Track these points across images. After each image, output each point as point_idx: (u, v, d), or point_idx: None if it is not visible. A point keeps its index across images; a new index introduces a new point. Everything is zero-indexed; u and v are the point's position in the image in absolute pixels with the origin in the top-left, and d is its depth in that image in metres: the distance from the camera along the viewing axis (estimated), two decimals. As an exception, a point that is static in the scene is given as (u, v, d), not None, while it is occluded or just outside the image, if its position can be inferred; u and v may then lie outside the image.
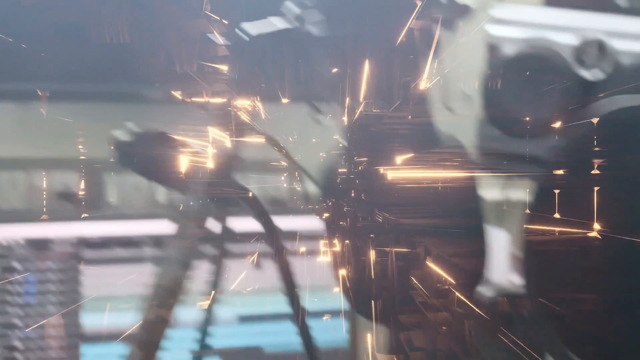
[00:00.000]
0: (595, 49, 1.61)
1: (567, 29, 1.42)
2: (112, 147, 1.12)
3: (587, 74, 1.86)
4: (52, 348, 1.89)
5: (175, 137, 1.10)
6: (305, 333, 1.17)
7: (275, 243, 1.21)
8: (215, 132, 1.21)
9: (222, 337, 2.01)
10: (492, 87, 1.66)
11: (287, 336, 2.02)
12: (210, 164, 1.11)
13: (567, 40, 1.35)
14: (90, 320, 1.93)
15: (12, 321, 1.88)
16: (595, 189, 1.06)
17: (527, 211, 1.17)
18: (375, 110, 1.23)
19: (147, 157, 1.07)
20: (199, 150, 1.10)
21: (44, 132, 2.10)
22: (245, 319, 2.10)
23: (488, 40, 1.32)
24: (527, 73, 1.73)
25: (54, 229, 1.92)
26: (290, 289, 1.18)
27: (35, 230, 1.91)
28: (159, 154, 1.05)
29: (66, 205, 2.18)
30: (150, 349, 1.06)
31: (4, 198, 2.13)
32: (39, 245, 1.89)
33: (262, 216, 1.27)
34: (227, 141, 1.18)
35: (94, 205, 2.21)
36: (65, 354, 1.89)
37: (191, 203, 1.11)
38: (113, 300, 1.86)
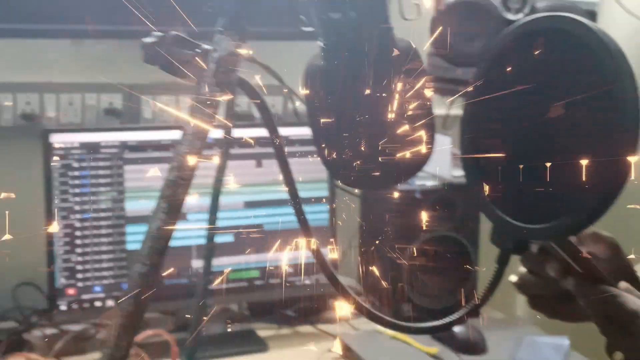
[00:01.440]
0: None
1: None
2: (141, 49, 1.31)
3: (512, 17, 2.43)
4: (103, 227, 2.45)
5: (187, 38, 1.34)
6: (300, 214, 1.44)
7: (278, 145, 1.42)
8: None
9: (230, 219, 2.58)
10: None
11: (285, 218, 2.56)
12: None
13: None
14: (132, 206, 2.49)
15: (73, 207, 2.43)
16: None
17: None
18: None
19: (167, 55, 1.29)
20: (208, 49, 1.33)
21: (93, 63, 2.65)
22: (250, 205, 2.64)
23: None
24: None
25: (102, 136, 2.47)
26: (289, 181, 1.43)
27: (88, 137, 2.45)
28: (176, 53, 1.30)
29: (112, 119, 2.75)
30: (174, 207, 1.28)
31: (64, 113, 2.70)
32: (91, 148, 2.44)
33: (269, 122, 1.41)
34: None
35: (133, 119, 2.77)
36: (114, 231, 2.46)
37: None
38: (149, 190, 2.42)
